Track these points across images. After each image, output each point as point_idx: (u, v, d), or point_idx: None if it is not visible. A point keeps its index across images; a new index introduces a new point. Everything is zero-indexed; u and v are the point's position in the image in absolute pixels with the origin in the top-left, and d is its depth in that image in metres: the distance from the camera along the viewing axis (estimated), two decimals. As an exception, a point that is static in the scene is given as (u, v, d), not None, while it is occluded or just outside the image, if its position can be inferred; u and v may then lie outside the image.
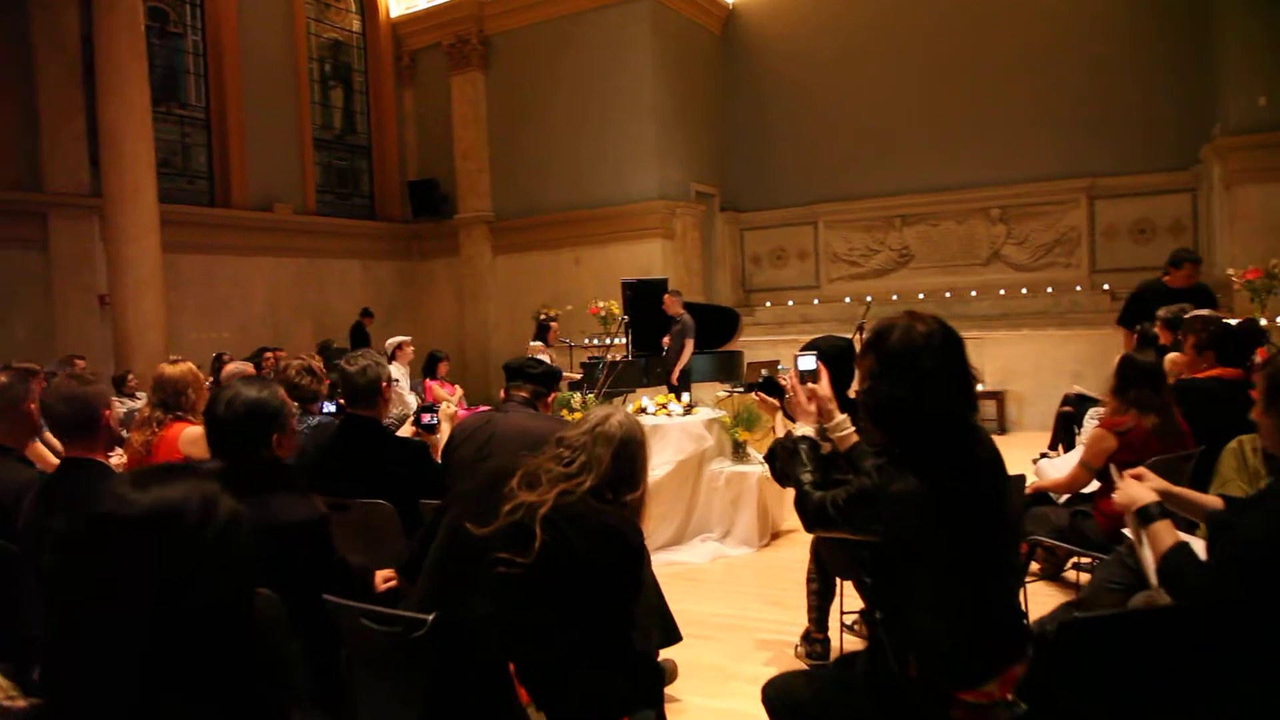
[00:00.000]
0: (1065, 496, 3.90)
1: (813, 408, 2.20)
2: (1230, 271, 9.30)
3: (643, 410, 5.84)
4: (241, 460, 2.25)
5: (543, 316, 12.19)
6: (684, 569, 5.21)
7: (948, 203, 14.01)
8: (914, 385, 1.88)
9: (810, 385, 2.20)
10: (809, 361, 2.26)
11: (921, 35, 13.80)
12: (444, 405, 3.55)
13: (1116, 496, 2.07)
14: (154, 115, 12.36)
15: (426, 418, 3.50)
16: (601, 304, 10.88)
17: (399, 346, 8.46)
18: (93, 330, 11.06)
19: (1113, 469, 2.36)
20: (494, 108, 15.10)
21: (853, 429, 2.19)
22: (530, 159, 14.69)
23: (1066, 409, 6.43)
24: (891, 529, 1.86)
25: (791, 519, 5.89)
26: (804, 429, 2.18)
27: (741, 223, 15.60)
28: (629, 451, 2.08)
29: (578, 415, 5.79)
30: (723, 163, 15.39)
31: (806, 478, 2.07)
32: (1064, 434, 6.41)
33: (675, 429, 5.55)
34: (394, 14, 15.90)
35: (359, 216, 15.48)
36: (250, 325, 13.07)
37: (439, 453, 3.21)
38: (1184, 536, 1.97)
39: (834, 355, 3.35)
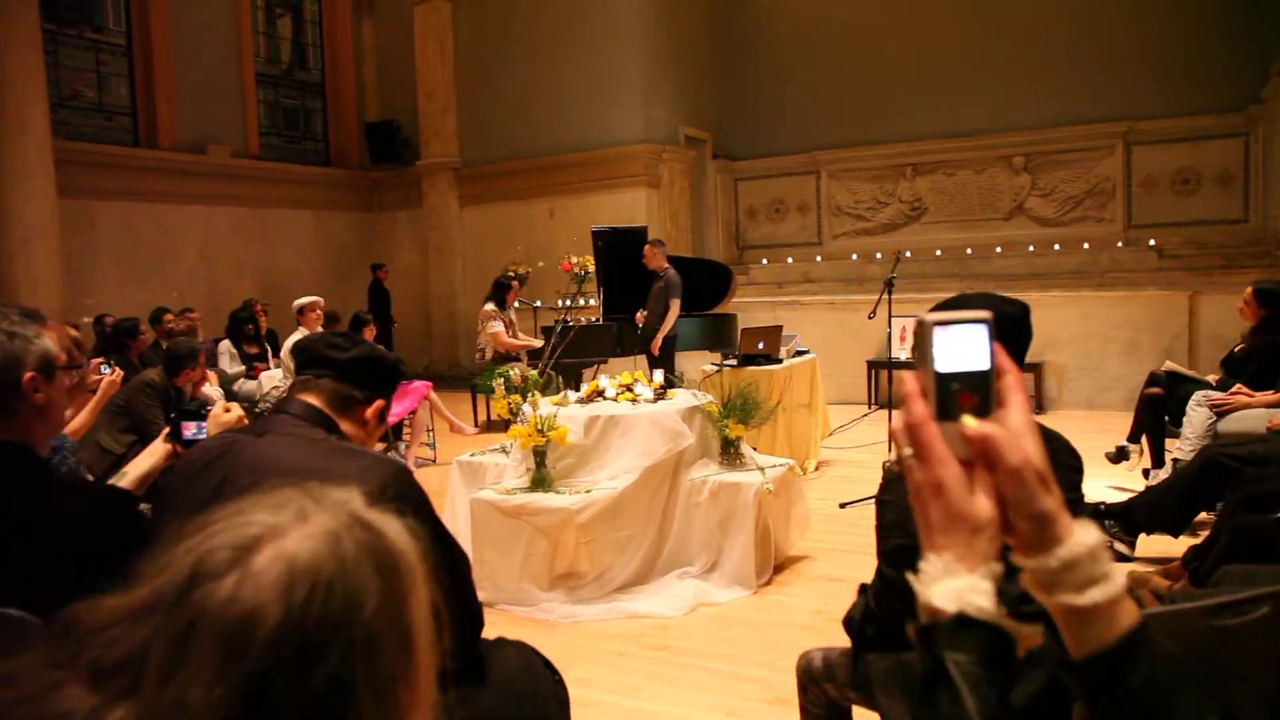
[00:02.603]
0: None
1: (983, 509, 0.69)
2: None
3: (600, 393, 4.38)
4: None
5: (510, 274, 10.77)
6: (650, 625, 3.66)
7: (965, 150, 12.56)
8: None
9: (976, 428, 0.70)
10: (972, 343, 0.72)
11: (939, -41, 12.24)
12: (218, 407, 2.09)
13: None
14: (63, 40, 10.84)
15: (190, 429, 2.06)
16: (575, 259, 9.46)
17: (300, 310, 6.94)
18: (-16, 287, 9.55)
19: None
20: (462, 41, 13.47)
21: (1118, 583, 0.68)
22: (501, 98, 13.09)
23: (1154, 391, 5.00)
24: None
25: (803, 542, 4.46)
26: (959, 583, 0.67)
27: (736, 172, 14.07)
28: (330, 663, 0.60)
29: (514, 402, 4.36)
30: (716, 106, 13.83)
31: None
32: (1151, 422, 5.00)
33: (643, 421, 4.06)
34: (350, -65, 14.20)
35: (310, 162, 13.89)
36: (180, 282, 11.54)
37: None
38: None
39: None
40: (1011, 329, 1.77)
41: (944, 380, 0.72)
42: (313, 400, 1.71)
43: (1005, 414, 0.72)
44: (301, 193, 13.36)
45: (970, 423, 0.71)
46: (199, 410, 2.10)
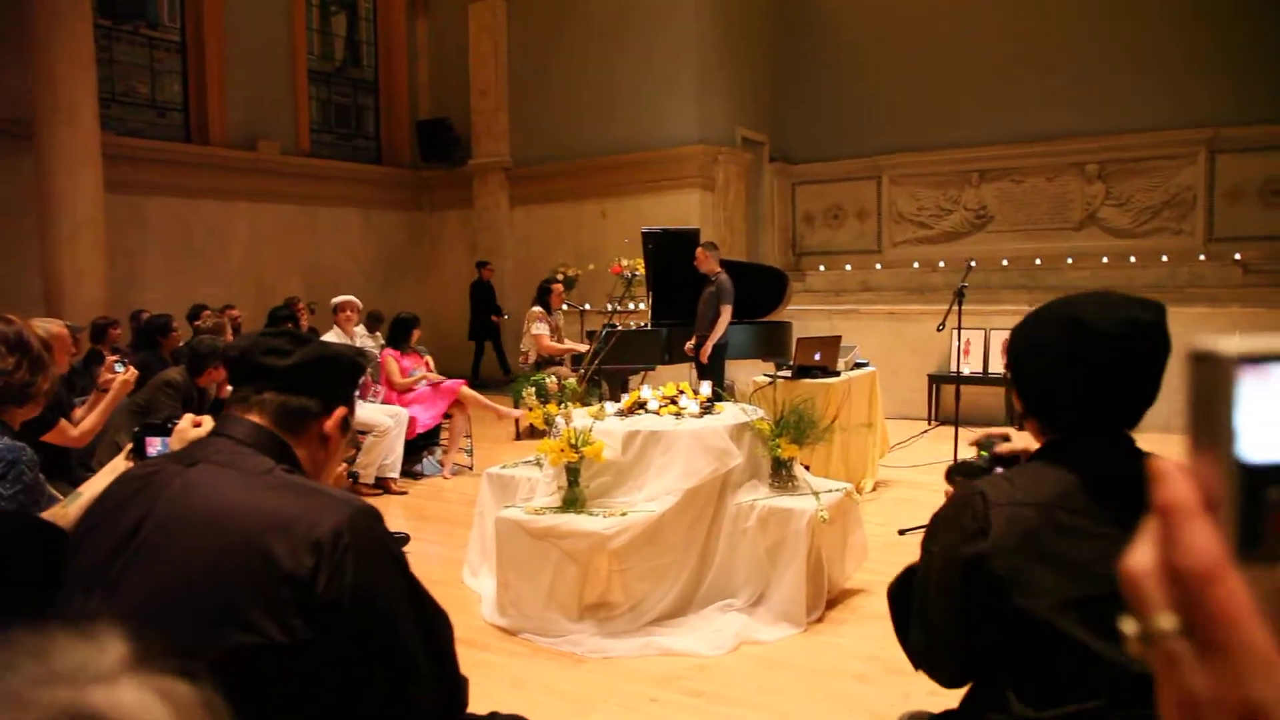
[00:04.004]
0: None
1: None
2: None
3: (641, 405, 4.04)
4: None
5: (560, 276, 10.52)
6: (687, 665, 3.27)
7: (1035, 156, 12.03)
8: None
9: None
10: None
11: (1012, -45, 11.73)
12: (184, 422, 1.78)
13: None
14: (117, 36, 10.83)
15: (154, 446, 1.78)
16: (626, 262, 9.15)
17: (335, 310, 6.69)
18: (34, 278, 9.52)
19: None
20: (516, 39, 13.26)
21: None
22: (554, 97, 12.85)
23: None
24: None
25: (860, 575, 4.06)
26: None
27: (793, 176, 13.65)
28: None
29: (550, 411, 4.04)
30: (774, 107, 13.42)
31: None
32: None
33: (686, 438, 3.69)
34: (406, -68, 14.09)
35: (361, 160, 13.77)
36: (228, 279, 11.47)
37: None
38: None
39: None
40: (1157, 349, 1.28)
41: (1256, 479, 0.34)
42: (257, 419, 1.37)
43: None
44: (351, 190, 13.25)
45: None
46: (165, 426, 1.80)
